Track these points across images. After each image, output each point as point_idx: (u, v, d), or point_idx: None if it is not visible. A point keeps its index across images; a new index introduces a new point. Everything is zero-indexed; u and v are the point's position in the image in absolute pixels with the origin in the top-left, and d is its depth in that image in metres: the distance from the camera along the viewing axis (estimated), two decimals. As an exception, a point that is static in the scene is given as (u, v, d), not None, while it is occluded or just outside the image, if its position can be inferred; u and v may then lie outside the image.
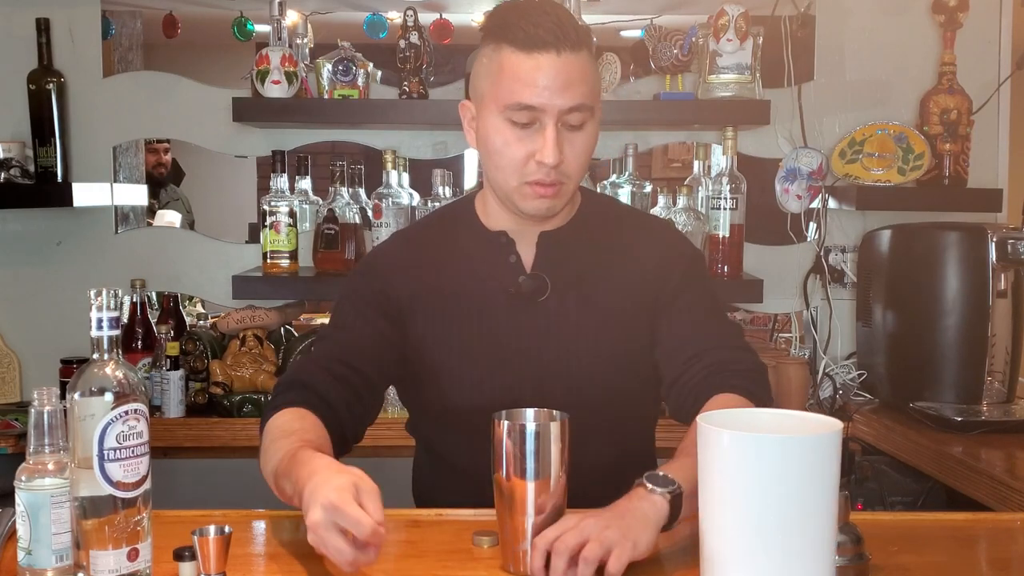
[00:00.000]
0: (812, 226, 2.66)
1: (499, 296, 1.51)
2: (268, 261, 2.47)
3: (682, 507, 1.23)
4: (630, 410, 1.56)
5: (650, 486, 1.22)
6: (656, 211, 2.50)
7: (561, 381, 1.49)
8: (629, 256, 1.55)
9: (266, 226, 2.47)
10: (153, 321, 2.57)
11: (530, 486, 1.18)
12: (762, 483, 1.02)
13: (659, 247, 1.57)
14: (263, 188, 2.96)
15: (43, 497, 1.12)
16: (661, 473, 1.24)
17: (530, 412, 1.24)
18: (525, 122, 1.40)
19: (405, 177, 2.66)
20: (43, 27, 2.48)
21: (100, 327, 1.10)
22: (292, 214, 2.47)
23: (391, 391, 2.35)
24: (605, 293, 1.52)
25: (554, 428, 1.19)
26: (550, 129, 1.39)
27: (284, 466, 1.26)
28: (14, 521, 1.16)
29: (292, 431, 1.35)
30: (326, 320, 3.12)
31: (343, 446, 1.43)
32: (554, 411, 1.23)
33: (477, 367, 1.51)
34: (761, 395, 1.46)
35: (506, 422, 1.20)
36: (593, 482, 1.31)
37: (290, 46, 2.49)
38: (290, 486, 1.23)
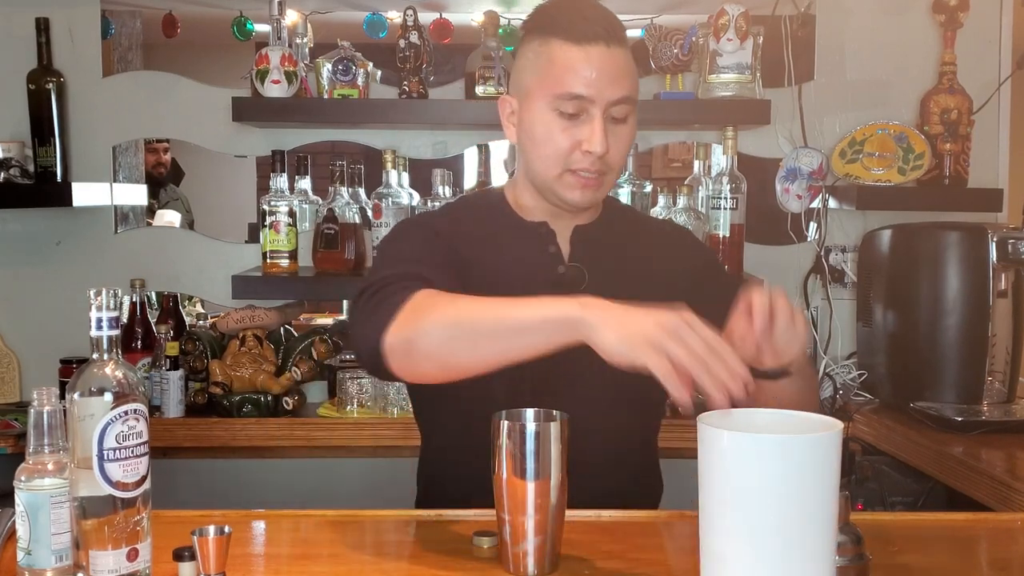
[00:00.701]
0: (812, 226, 2.66)
1: (539, 284, 1.50)
2: (268, 261, 2.47)
3: None
4: (645, 402, 1.59)
5: None
6: (656, 211, 2.50)
7: (594, 371, 1.49)
8: (657, 255, 1.61)
9: (266, 226, 2.47)
10: (153, 321, 2.57)
11: (530, 486, 1.17)
12: (762, 483, 1.02)
13: (686, 246, 1.67)
14: (263, 188, 2.97)
15: (42, 497, 1.12)
16: None
17: (530, 412, 1.24)
18: (573, 112, 1.44)
19: (405, 177, 2.66)
20: (43, 27, 2.48)
21: (100, 327, 1.10)
22: (292, 214, 2.47)
23: (392, 387, 2.37)
24: (634, 285, 1.53)
25: (554, 428, 1.19)
26: (598, 119, 1.44)
27: (525, 305, 1.23)
28: (13, 521, 1.16)
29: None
30: (326, 320, 3.09)
31: None
32: (553, 411, 1.23)
33: None
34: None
35: (505, 422, 1.19)
36: (613, 468, 1.35)
37: (290, 46, 2.49)
38: (563, 304, 1.21)
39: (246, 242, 3.27)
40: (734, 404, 1.11)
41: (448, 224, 1.57)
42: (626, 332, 1.15)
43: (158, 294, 2.77)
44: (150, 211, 4.25)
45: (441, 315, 1.27)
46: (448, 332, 1.27)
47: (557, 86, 1.43)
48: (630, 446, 1.59)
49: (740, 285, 1.59)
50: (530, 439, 1.18)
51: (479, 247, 1.54)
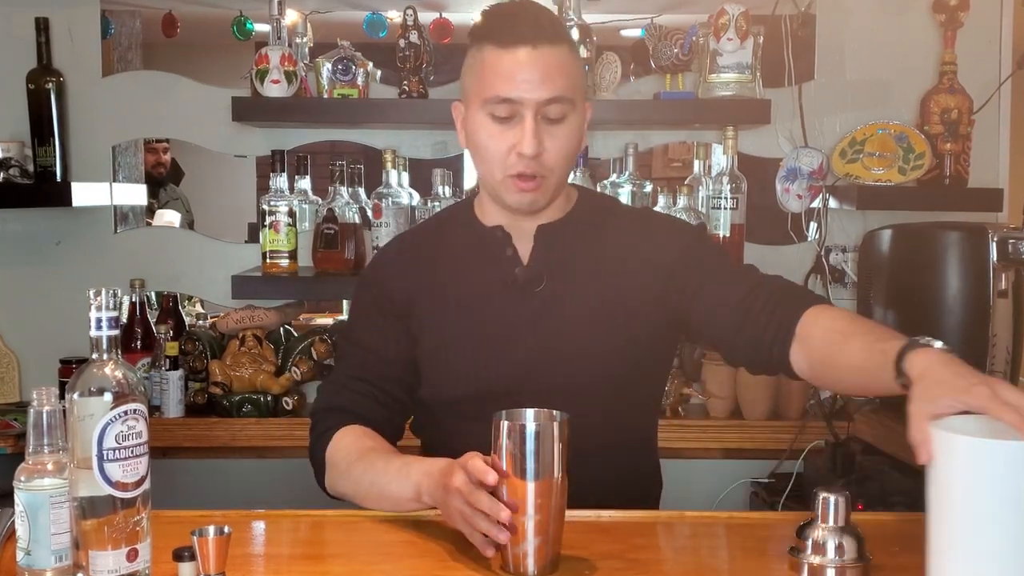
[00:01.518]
0: (812, 226, 2.66)
1: (494, 288, 1.54)
2: (267, 261, 2.47)
3: None
4: (627, 400, 1.57)
5: (937, 344, 1.22)
6: (656, 211, 2.50)
7: (556, 371, 1.50)
8: (630, 248, 1.56)
9: (265, 226, 2.46)
10: (152, 321, 2.56)
11: (530, 486, 1.17)
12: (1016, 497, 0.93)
13: (661, 235, 1.58)
14: (262, 188, 2.96)
15: (42, 497, 1.11)
16: (922, 339, 1.23)
17: (530, 412, 1.24)
18: (505, 115, 1.44)
19: (405, 177, 2.65)
20: (42, 27, 2.48)
21: (99, 327, 1.10)
22: (292, 214, 2.47)
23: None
24: (603, 285, 1.54)
25: (555, 428, 1.18)
26: (528, 121, 1.43)
27: (386, 485, 1.39)
28: (13, 521, 1.16)
29: (369, 448, 1.47)
30: (326, 320, 3.12)
31: None
32: (554, 411, 1.23)
33: (471, 357, 1.53)
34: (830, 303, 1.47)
35: (506, 422, 1.19)
36: (587, 470, 1.31)
37: (289, 45, 2.49)
38: (408, 486, 1.35)
39: (246, 242, 3.27)
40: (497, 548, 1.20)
41: (403, 257, 1.62)
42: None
43: (158, 294, 2.77)
44: (150, 211, 4.25)
45: (343, 473, 1.48)
46: (353, 495, 1.47)
47: (487, 91, 1.45)
48: (626, 441, 1.59)
49: (727, 255, 1.64)
50: (530, 439, 1.17)
51: (443, 263, 1.58)
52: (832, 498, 1.18)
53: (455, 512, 1.23)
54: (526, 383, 1.49)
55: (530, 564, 1.18)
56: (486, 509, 1.18)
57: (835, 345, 1.33)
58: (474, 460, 1.21)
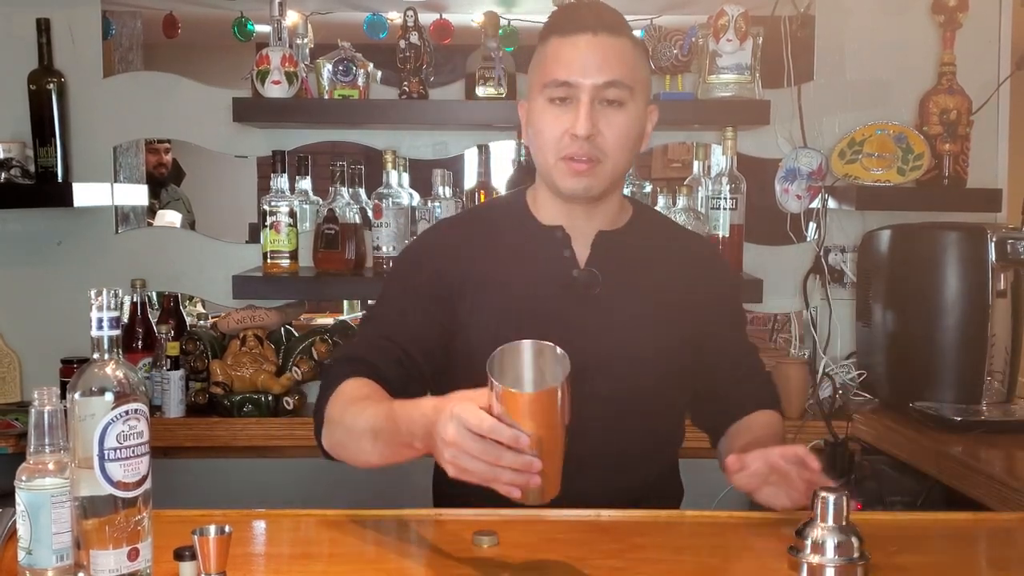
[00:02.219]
0: (812, 226, 2.66)
1: (549, 288, 1.54)
2: (268, 261, 2.47)
3: None
4: (663, 405, 1.61)
5: None
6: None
7: (603, 375, 1.51)
8: (677, 265, 1.62)
9: (266, 226, 2.47)
10: (153, 321, 2.57)
11: (526, 399, 1.12)
12: None
13: (706, 263, 1.68)
14: (263, 188, 2.97)
15: (43, 497, 1.12)
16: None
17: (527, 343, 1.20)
18: (562, 97, 1.47)
19: (405, 177, 2.66)
20: (43, 27, 2.48)
21: (100, 327, 1.10)
22: (292, 214, 2.47)
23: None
24: (652, 295, 1.58)
25: (556, 351, 1.17)
26: (584, 103, 1.46)
27: (383, 417, 1.31)
28: (14, 521, 1.16)
29: (367, 395, 1.41)
30: (327, 320, 3.12)
31: None
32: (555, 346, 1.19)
33: None
34: (780, 406, 1.68)
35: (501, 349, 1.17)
36: (624, 473, 1.40)
37: (290, 46, 2.49)
38: (402, 426, 1.26)
39: (247, 242, 3.27)
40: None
41: (456, 240, 1.60)
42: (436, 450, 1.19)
43: (159, 294, 2.77)
44: (151, 211, 4.25)
45: (338, 416, 1.42)
46: (347, 443, 1.40)
47: (546, 76, 1.49)
48: (661, 448, 1.62)
49: (743, 323, 1.72)
50: (527, 350, 1.17)
51: (495, 252, 1.57)
52: (831, 497, 1.18)
53: (463, 465, 1.14)
54: (573, 385, 1.48)
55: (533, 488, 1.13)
56: (508, 463, 1.11)
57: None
58: (466, 408, 1.14)
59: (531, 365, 1.18)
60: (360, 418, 1.35)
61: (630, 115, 1.49)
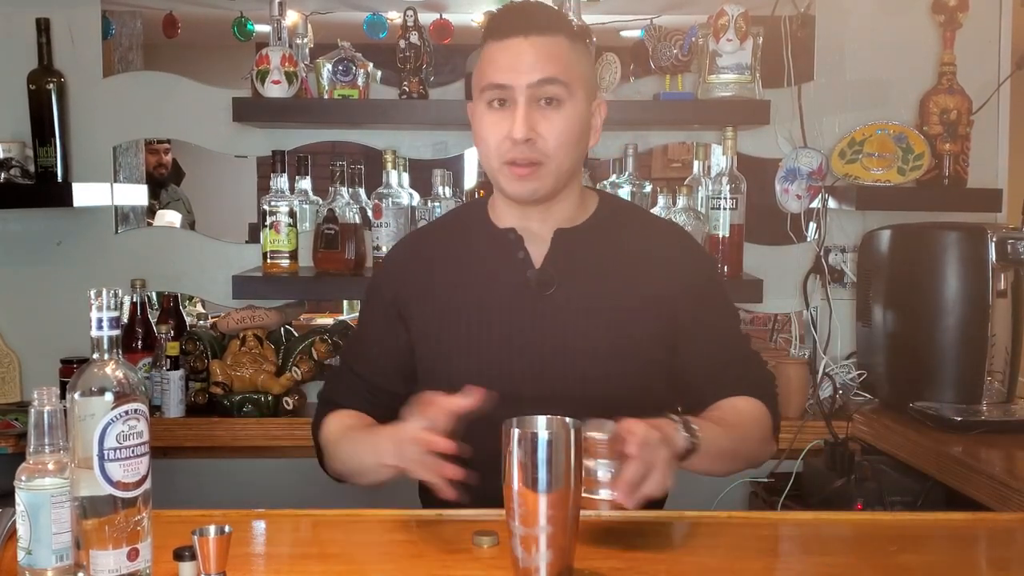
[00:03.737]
0: (812, 226, 2.66)
1: (504, 290, 1.54)
2: (268, 261, 2.47)
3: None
4: (631, 404, 1.56)
5: (684, 433, 1.33)
6: (656, 211, 2.49)
7: (562, 373, 1.51)
8: (644, 258, 1.58)
9: (266, 226, 2.47)
10: (153, 321, 2.57)
11: (543, 499, 1.12)
12: None
13: (677, 253, 1.62)
14: (263, 188, 2.96)
15: (43, 497, 1.12)
16: (696, 426, 1.34)
17: (542, 420, 1.19)
18: (501, 99, 1.47)
19: (405, 177, 2.66)
20: (43, 27, 2.48)
21: (100, 327, 1.10)
22: (292, 214, 2.47)
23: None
24: (614, 292, 1.55)
25: (569, 436, 1.14)
26: (520, 104, 1.46)
27: (361, 443, 1.50)
28: (14, 521, 1.16)
29: (349, 424, 1.58)
30: (326, 320, 3.12)
31: None
32: (567, 419, 1.18)
33: (477, 358, 1.52)
34: (774, 407, 1.59)
35: (516, 430, 1.14)
36: None
37: (290, 46, 2.49)
38: (374, 453, 1.42)
39: (246, 242, 3.27)
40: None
41: (406, 257, 1.66)
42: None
43: (158, 294, 2.77)
44: (151, 211, 4.26)
45: (332, 453, 1.60)
46: (346, 472, 1.57)
47: (482, 80, 1.50)
48: None
49: (730, 313, 1.67)
50: (542, 448, 1.12)
51: (451, 263, 1.59)
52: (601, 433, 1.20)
53: (413, 461, 1.30)
54: (532, 386, 1.49)
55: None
56: (433, 447, 1.27)
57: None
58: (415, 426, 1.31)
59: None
60: (346, 450, 1.55)
61: (570, 113, 1.48)
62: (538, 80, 1.45)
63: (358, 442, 1.51)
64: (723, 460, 1.45)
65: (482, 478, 1.26)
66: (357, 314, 3.33)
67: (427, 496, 1.66)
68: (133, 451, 1.09)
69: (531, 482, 1.12)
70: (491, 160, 1.50)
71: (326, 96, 2.49)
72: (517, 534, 1.15)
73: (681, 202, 2.51)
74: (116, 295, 1.11)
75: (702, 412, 1.52)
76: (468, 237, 1.61)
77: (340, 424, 1.60)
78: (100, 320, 1.10)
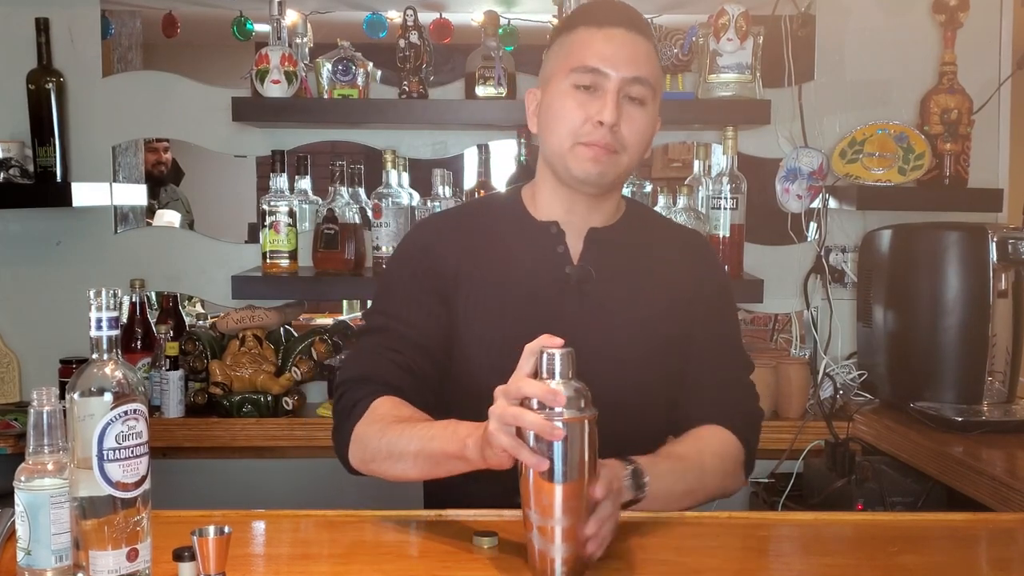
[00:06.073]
0: (812, 226, 2.66)
1: (543, 283, 1.54)
2: (268, 261, 2.47)
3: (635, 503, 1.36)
4: (649, 404, 1.60)
5: (629, 482, 1.34)
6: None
7: (596, 369, 1.49)
8: (668, 264, 1.61)
9: (266, 226, 2.47)
10: (152, 321, 2.57)
11: (559, 489, 1.13)
12: None
13: (699, 262, 1.65)
14: (263, 188, 2.96)
15: (42, 497, 1.11)
16: (646, 479, 1.36)
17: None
18: (588, 85, 1.48)
19: (405, 177, 2.66)
20: (42, 27, 2.48)
21: (99, 327, 1.10)
22: (292, 214, 2.47)
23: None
24: (645, 290, 1.58)
25: (584, 428, 1.14)
26: (611, 93, 1.47)
27: (430, 440, 1.32)
28: (13, 521, 1.16)
29: (407, 416, 1.42)
30: (326, 320, 3.10)
31: None
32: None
33: (512, 348, 1.50)
34: (751, 440, 1.59)
35: None
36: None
37: (290, 46, 2.49)
38: (454, 443, 1.27)
39: (246, 242, 3.27)
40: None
41: (449, 235, 1.59)
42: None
43: (158, 294, 2.77)
44: (150, 211, 4.26)
45: (376, 447, 1.41)
46: (385, 462, 1.40)
47: (575, 61, 1.48)
48: (647, 448, 1.60)
49: (734, 332, 1.68)
50: (558, 441, 1.12)
51: (490, 248, 1.57)
52: (557, 353, 1.17)
53: (499, 436, 1.16)
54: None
55: (558, 569, 1.15)
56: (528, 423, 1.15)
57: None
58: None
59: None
60: (402, 439, 1.36)
61: (649, 115, 1.51)
62: (632, 76, 1.47)
63: (429, 428, 1.36)
64: (676, 500, 1.45)
65: (503, 474, 1.25)
66: (357, 314, 3.34)
67: (435, 492, 1.65)
68: (132, 451, 1.09)
69: (547, 474, 1.13)
70: (563, 140, 1.49)
71: (326, 96, 2.48)
72: (535, 525, 1.15)
73: (681, 202, 2.51)
74: (115, 295, 1.11)
75: (670, 441, 1.57)
76: (505, 226, 1.60)
77: (395, 412, 1.44)
78: (99, 320, 1.10)
